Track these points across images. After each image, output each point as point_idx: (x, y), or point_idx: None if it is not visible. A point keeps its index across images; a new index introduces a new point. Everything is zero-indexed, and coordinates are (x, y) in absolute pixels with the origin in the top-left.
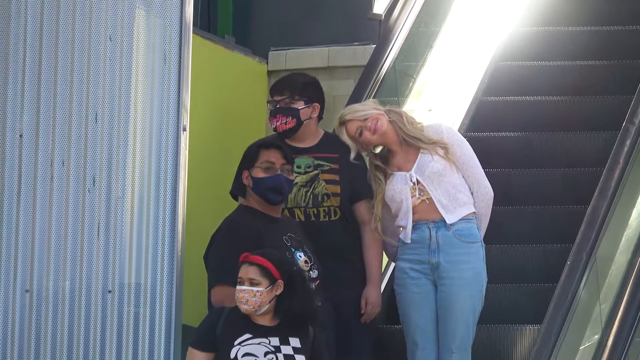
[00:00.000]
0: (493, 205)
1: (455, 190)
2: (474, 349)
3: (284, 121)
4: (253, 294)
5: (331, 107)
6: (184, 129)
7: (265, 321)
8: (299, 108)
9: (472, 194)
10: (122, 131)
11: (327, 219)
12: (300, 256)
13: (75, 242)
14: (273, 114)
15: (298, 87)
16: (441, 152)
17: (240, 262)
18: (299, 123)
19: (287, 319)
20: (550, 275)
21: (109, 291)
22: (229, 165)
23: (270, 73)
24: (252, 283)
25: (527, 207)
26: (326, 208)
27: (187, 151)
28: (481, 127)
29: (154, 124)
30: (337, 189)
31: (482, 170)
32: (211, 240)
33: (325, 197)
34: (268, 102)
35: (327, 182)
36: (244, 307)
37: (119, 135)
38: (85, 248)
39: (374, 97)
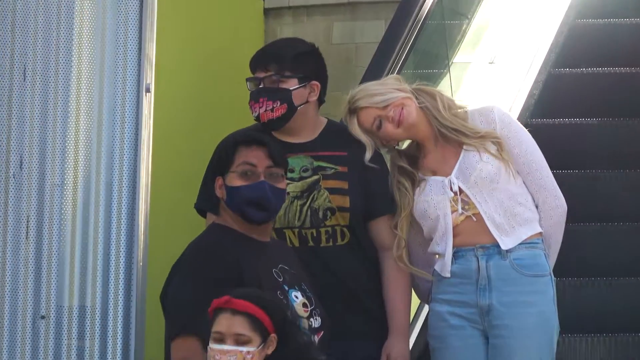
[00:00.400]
0: (567, 221)
1: (514, 203)
2: None
3: (270, 107)
4: (242, 356)
5: (352, 60)
6: (148, 90)
7: None
8: (291, 88)
9: (537, 207)
10: (61, 94)
11: (330, 243)
12: (297, 297)
13: None
14: (254, 97)
15: (289, 58)
16: (493, 149)
17: (215, 307)
18: (292, 109)
19: None
20: None
21: (42, 317)
22: (214, 142)
23: (267, 12)
24: (240, 341)
25: (618, 224)
26: (330, 228)
27: (152, 120)
28: (552, 109)
29: (104, 83)
30: (345, 201)
31: (550, 174)
32: (172, 272)
33: (329, 213)
34: (247, 80)
35: (332, 191)
36: None
37: (56, 99)
38: (9, 255)
39: (410, 46)
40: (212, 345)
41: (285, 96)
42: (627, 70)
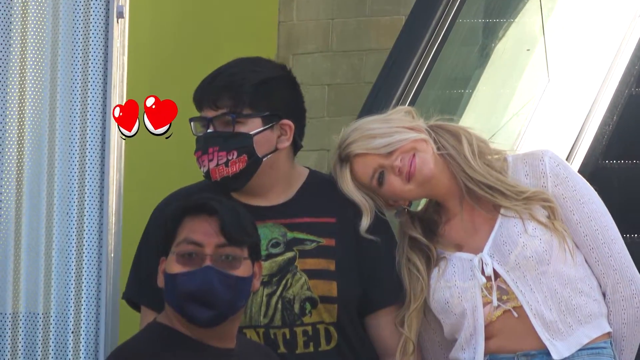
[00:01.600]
0: None
1: (572, 291)
2: None
3: (224, 160)
4: None
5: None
6: (121, 16)
7: None
8: (252, 133)
9: (604, 295)
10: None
11: (311, 349)
12: None
13: None
14: (202, 147)
15: (249, 88)
16: (543, 215)
17: None
18: (255, 162)
19: None
20: None
21: None
22: None
23: None
24: None
25: None
26: (309, 328)
27: (126, 57)
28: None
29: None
30: (331, 288)
31: (624, 248)
32: None
33: (309, 306)
34: (191, 120)
35: (313, 274)
36: None
37: None
38: None
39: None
40: None
41: (244, 144)
42: None
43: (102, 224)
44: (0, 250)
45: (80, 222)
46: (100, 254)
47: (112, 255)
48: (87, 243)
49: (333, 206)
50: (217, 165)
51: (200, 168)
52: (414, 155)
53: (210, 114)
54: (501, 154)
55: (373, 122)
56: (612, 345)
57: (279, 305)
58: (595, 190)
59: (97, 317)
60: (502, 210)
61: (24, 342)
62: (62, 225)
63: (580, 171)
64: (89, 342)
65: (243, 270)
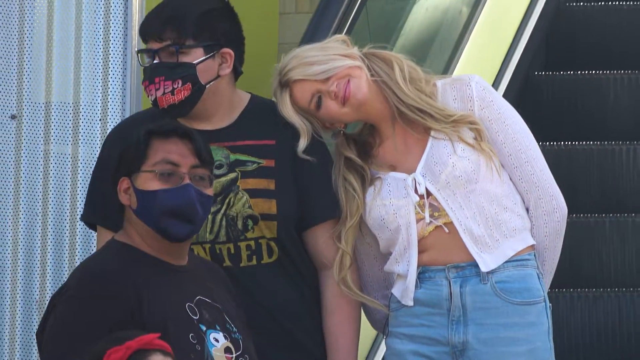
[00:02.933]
0: (573, 214)
1: (498, 207)
2: None
3: (170, 89)
4: None
5: None
6: None
7: None
8: (195, 62)
9: (527, 211)
10: None
11: (254, 261)
12: (217, 340)
13: None
14: (148, 77)
15: (191, 21)
16: (470, 137)
17: (137, 349)
18: (198, 89)
19: None
20: None
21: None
22: None
23: None
24: None
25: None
26: (252, 242)
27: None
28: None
29: None
30: (271, 206)
31: (545, 166)
32: (50, 304)
33: (250, 222)
34: (138, 52)
35: (254, 193)
36: None
37: None
38: None
39: None
40: None
41: (188, 73)
42: None
43: (126, 21)
44: (35, 48)
45: (107, 17)
46: (126, 48)
47: (135, 50)
48: (112, 37)
49: (273, 129)
50: (164, 93)
51: (148, 97)
52: (348, 81)
53: (155, 45)
54: (431, 79)
55: (311, 50)
56: (535, 257)
57: (224, 222)
58: None
59: (122, 107)
60: (432, 133)
61: (56, 130)
62: (90, 23)
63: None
64: None
65: (210, 190)
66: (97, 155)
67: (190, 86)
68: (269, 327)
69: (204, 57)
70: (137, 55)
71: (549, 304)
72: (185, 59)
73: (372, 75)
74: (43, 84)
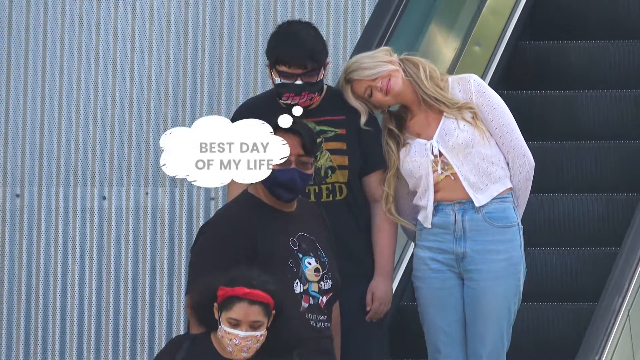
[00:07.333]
0: (548, 140)
1: (487, 163)
2: (516, 332)
3: (310, 98)
4: (256, 339)
5: None
6: None
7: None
8: (321, 78)
9: (507, 165)
10: None
11: (331, 198)
12: (310, 263)
13: None
14: (296, 91)
15: (322, 53)
16: (469, 116)
17: (231, 295)
18: (322, 94)
19: (264, 351)
20: (618, 237)
21: None
22: None
23: None
24: (255, 326)
25: (592, 143)
26: (330, 185)
27: None
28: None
29: None
30: (344, 160)
31: (520, 135)
32: (200, 231)
33: (330, 172)
34: (281, 74)
35: (332, 152)
36: (242, 356)
37: None
38: None
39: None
40: (228, 329)
41: (321, 87)
42: None
43: None
44: None
45: None
46: None
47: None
48: None
49: (343, 108)
50: (305, 101)
51: (285, 100)
52: (389, 79)
53: (298, 71)
54: (444, 77)
55: (364, 58)
56: (512, 196)
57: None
58: None
59: None
60: (444, 114)
61: None
62: None
63: None
64: None
65: (311, 170)
66: None
67: (320, 94)
68: (335, 242)
69: (324, 73)
70: (280, 76)
71: (521, 227)
72: (319, 78)
73: (405, 75)
74: None
